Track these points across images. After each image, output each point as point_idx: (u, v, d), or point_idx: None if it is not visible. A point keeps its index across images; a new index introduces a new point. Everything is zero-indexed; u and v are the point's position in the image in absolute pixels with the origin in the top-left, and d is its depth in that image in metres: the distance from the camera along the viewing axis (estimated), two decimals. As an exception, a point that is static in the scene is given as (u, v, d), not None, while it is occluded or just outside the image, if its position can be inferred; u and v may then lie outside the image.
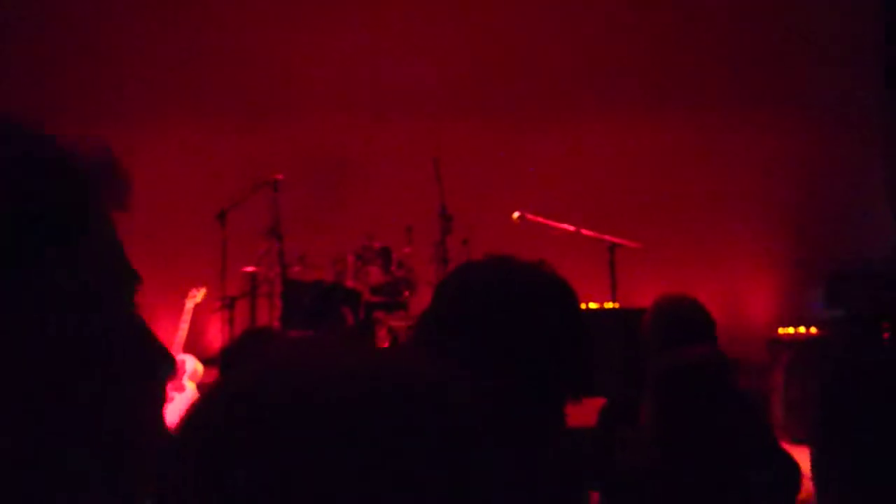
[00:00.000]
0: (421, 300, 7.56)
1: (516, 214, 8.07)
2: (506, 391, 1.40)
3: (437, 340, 1.51)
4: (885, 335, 7.95)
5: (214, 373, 7.32)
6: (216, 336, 8.73)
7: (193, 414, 0.74)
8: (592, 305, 8.03)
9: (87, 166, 0.86)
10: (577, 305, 1.62)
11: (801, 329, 8.18)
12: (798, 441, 4.80)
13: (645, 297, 8.26)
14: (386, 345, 7.68)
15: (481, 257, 1.77)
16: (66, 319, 0.80)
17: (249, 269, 8.56)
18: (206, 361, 7.42)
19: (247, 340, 3.02)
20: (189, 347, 7.10)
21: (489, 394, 1.38)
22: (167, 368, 0.89)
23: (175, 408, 6.31)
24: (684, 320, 3.44)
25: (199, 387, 6.88)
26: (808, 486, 2.07)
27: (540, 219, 8.05)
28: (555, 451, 1.53)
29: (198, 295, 7.25)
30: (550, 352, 1.49)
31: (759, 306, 9.37)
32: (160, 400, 0.89)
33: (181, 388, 6.73)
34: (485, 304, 1.51)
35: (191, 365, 6.90)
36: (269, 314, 8.55)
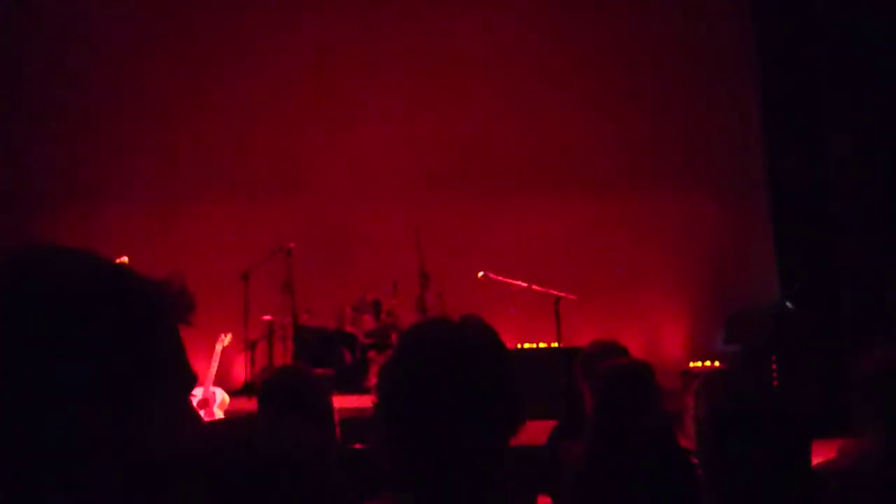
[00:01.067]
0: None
1: (480, 274, 8.02)
2: (456, 426, 1.38)
3: (394, 389, 1.47)
4: (774, 366, 7.91)
5: (240, 402, 7.22)
6: (240, 372, 8.59)
7: None
8: (542, 345, 7.99)
9: (162, 293, 0.90)
10: (500, 349, 1.51)
11: (708, 363, 8.13)
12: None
13: (583, 337, 8.26)
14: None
15: (422, 319, 1.68)
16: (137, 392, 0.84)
17: (267, 317, 8.46)
18: (232, 393, 7.29)
19: (281, 375, 2.94)
20: (218, 381, 6.98)
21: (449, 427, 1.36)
22: None
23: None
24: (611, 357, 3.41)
25: (226, 414, 6.76)
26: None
27: (499, 277, 8.02)
28: (504, 471, 1.48)
29: (225, 339, 7.15)
30: (485, 389, 1.43)
31: (673, 345, 9.30)
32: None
33: (212, 416, 6.60)
34: (426, 357, 1.45)
35: (220, 396, 6.78)
36: (283, 354, 8.44)
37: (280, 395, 2.71)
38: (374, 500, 1.67)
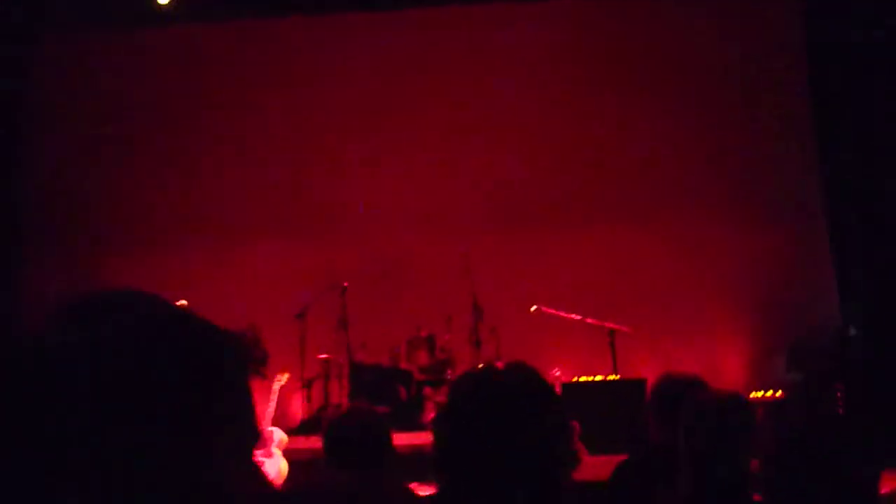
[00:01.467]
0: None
1: (533, 308, 7.99)
2: (510, 478, 1.45)
3: (448, 442, 1.56)
4: (839, 394, 7.70)
5: (298, 440, 7.24)
6: (298, 410, 8.63)
7: None
8: (598, 377, 7.89)
9: (232, 344, 0.88)
10: (546, 395, 1.59)
11: (769, 392, 7.94)
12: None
13: (640, 370, 8.17)
14: (433, 415, 7.52)
15: (470, 369, 1.88)
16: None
17: (323, 355, 8.49)
18: (289, 432, 7.31)
19: (347, 416, 2.92)
20: (276, 421, 7.02)
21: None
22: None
23: (266, 470, 6.22)
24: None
25: (284, 453, 6.77)
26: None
27: (552, 310, 7.97)
28: None
29: (282, 378, 7.18)
30: (533, 437, 1.50)
31: (733, 374, 9.09)
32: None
33: (270, 455, 6.63)
34: (475, 410, 1.54)
35: (278, 436, 6.81)
36: (339, 392, 8.45)
37: (347, 440, 2.73)
38: None
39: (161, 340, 0.82)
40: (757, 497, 2.11)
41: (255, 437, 0.91)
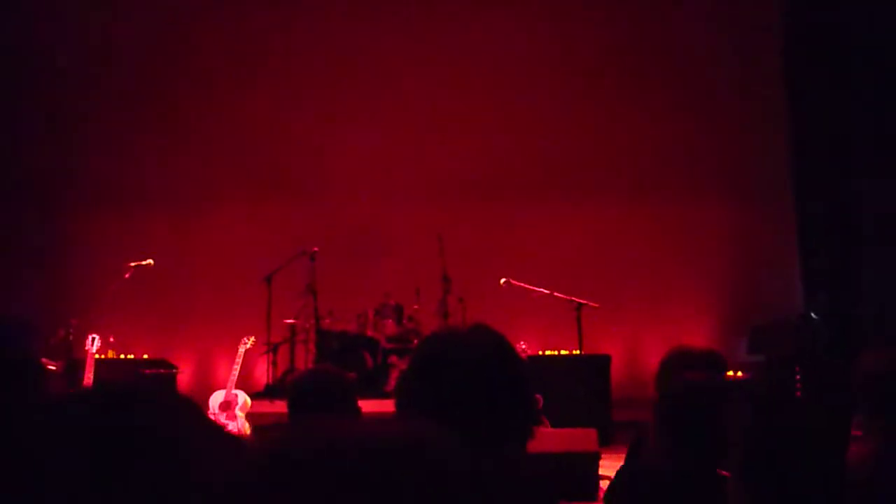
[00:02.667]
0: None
1: (503, 280, 8.01)
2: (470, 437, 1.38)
3: (412, 397, 1.54)
4: (797, 378, 7.81)
5: (262, 404, 7.22)
6: (262, 375, 8.59)
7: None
8: (564, 352, 7.94)
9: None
10: (509, 358, 1.55)
11: (731, 373, 8.03)
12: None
13: (606, 345, 8.25)
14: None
15: (436, 330, 1.78)
16: None
17: (290, 321, 8.47)
18: (253, 395, 7.28)
19: (312, 376, 2.93)
20: (240, 384, 6.98)
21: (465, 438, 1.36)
22: None
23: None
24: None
25: (248, 416, 6.74)
26: None
27: (521, 284, 7.99)
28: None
29: (248, 342, 7.14)
30: (496, 398, 1.48)
31: None
32: None
33: (234, 418, 6.60)
34: (439, 370, 1.51)
35: (242, 399, 6.77)
36: (304, 358, 8.43)
37: (310, 397, 2.66)
38: None
39: None
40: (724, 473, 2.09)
41: None
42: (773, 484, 1.80)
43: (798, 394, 7.84)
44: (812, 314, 8.53)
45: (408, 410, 1.53)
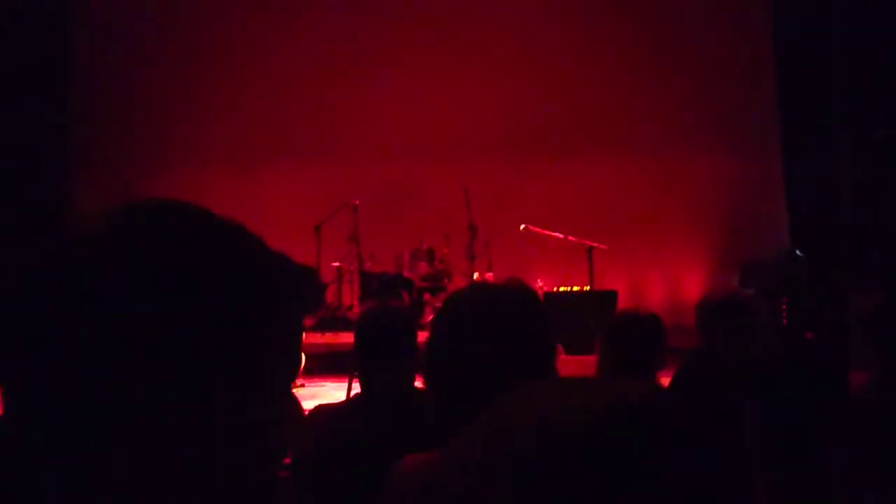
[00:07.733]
0: (457, 286, 7.78)
1: (522, 226, 8.29)
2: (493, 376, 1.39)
3: (440, 343, 1.52)
4: (783, 307, 8.09)
5: (314, 336, 7.67)
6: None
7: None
8: (576, 288, 8.27)
9: (292, 280, 0.78)
10: (537, 310, 1.57)
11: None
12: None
13: (613, 282, 8.59)
14: (430, 317, 7.85)
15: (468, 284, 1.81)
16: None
17: (336, 264, 8.90)
18: (305, 330, 7.65)
19: (378, 310, 2.80)
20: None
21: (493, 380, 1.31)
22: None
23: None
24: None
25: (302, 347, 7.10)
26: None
27: (539, 229, 8.31)
28: None
29: (301, 283, 7.47)
30: (519, 343, 1.48)
31: (692, 287, 9.46)
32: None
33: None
34: (469, 317, 1.52)
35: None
36: (350, 296, 8.89)
37: (376, 330, 2.67)
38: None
39: (223, 262, 0.71)
40: None
41: (297, 373, 0.78)
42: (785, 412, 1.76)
43: (784, 322, 8.17)
44: (797, 251, 8.74)
45: (434, 355, 1.50)
